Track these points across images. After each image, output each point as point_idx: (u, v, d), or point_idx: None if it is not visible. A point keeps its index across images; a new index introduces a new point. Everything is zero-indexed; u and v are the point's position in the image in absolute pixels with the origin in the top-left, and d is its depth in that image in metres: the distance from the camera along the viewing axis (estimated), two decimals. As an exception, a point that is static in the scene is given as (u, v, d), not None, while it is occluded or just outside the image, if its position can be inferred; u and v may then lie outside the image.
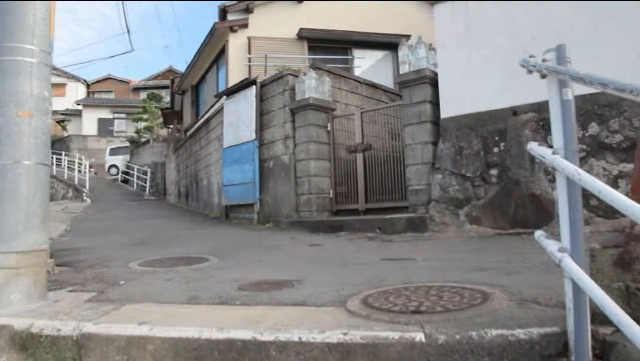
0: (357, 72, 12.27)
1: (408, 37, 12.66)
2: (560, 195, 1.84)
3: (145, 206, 15.95)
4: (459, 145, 6.07)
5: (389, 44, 12.95)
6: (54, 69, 39.50)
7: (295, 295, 3.05)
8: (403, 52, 6.77)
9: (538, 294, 2.56)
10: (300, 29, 12.00)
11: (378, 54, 13.49)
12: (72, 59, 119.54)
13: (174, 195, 16.93)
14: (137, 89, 46.06)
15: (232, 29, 11.65)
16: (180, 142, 16.02)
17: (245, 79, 8.89)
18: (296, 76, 8.26)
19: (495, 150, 5.73)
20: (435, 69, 6.54)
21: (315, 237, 6.62)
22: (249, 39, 11.68)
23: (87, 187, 22.81)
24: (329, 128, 8.06)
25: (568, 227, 1.81)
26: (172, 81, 18.42)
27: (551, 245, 1.85)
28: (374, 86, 9.99)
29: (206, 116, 12.76)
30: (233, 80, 11.35)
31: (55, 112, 43.34)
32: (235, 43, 11.70)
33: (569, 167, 1.72)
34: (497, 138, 5.73)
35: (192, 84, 15.94)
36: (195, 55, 13.86)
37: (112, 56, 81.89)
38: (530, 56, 2.00)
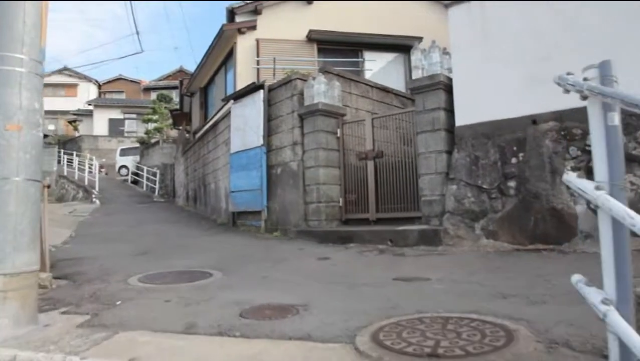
0: (368, 75, 12.02)
1: (420, 38, 12.39)
2: (604, 237, 1.59)
3: (154, 209, 15.83)
4: (474, 154, 5.79)
5: (400, 45, 12.69)
6: (66, 69, 39.45)
7: (300, 325, 2.81)
8: (416, 56, 6.51)
9: (569, 334, 2.30)
10: (310, 31, 11.76)
11: (389, 56, 13.22)
12: (83, 59, 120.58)
13: (183, 198, 16.79)
14: (147, 89, 46.16)
15: (240, 31, 11.44)
16: (189, 144, 15.87)
17: (253, 83, 8.68)
18: (305, 80, 8.02)
19: (514, 160, 5.44)
20: (450, 74, 6.27)
21: (324, 248, 6.39)
22: (257, 41, 11.46)
23: (97, 188, 22.78)
24: (338, 135, 7.81)
25: (614, 275, 1.56)
26: (181, 83, 18.29)
27: (593, 295, 1.60)
28: (385, 90, 9.73)
29: (214, 119, 12.58)
30: (241, 83, 11.15)
31: (66, 112, 43.67)
32: (244, 45, 11.49)
33: (617, 208, 1.46)
34: (515, 148, 5.45)
35: (200, 86, 15.78)
36: (203, 57, 13.69)
37: (122, 57, 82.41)
38: (568, 73, 1.75)
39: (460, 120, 6.01)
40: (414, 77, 6.52)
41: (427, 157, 6.26)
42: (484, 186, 5.64)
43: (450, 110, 6.18)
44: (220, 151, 10.88)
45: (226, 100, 10.24)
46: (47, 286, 4.78)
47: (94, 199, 20.43)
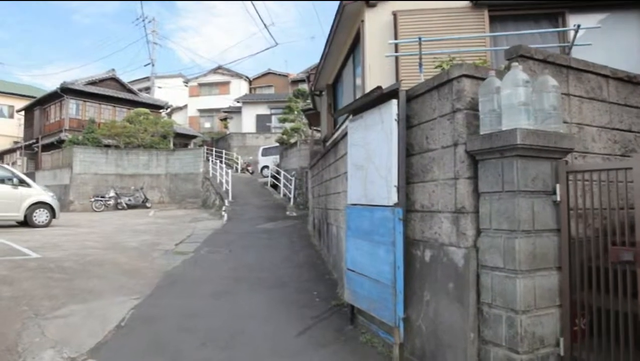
0: (575, 53, 7.33)
1: (675, -18, 7.28)
2: None
3: (275, 239, 13.04)
4: None
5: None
6: (220, 68, 39.93)
7: None
8: None
9: None
10: (479, -9, 7.48)
11: (602, 17, 8.21)
12: (237, 53, 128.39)
13: (311, 221, 13.76)
14: (295, 82, 45.31)
15: (368, 3, 7.65)
16: (315, 158, 12.65)
17: (378, 87, 4.80)
18: (480, 79, 3.96)
19: None
20: None
21: None
22: (394, 15, 7.55)
23: (230, 197, 21.27)
24: (558, 196, 3.62)
25: None
26: (308, 78, 15.18)
27: None
28: (629, 81, 5.11)
29: (334, 136, 9.08)
30: (372, 82, 7.42)
31: (218, 110, 44.73)
32: (374, 24, 7.68)
33: None
34: None
35: (327, 82, 12.39)
36: (325, 46, 10.19)
37: (256, 53, 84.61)
38: None
39: None
40: None
41: None
42: None
43: None
44: (341, 185, 7.30)
45: (338, 115, 6.59)
46: None
47: (222, 212, 18.77)
